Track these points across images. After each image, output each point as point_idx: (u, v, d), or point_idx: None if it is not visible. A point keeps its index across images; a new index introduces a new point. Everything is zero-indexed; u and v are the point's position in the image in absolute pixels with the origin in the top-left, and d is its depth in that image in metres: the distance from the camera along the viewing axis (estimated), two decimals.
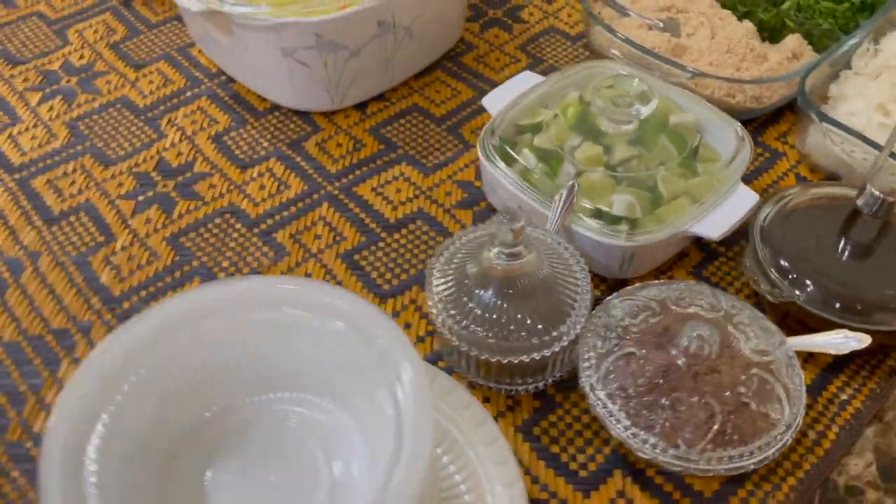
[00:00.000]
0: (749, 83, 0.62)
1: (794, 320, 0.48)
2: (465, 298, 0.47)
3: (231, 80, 0.71)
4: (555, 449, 0.46)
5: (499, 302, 0.46)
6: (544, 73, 0.72)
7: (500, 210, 0.44)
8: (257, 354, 0.33)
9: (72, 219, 0.59)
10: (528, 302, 0.46)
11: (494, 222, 0.44)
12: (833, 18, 0.70)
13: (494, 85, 0.70)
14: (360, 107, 0.68)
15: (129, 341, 0.32)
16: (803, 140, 0.62)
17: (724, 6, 0.73)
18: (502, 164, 0.56)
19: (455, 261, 0.48)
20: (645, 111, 0.54)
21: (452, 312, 0.47)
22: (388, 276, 0.56)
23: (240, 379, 0.34)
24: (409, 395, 0.29)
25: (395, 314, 0.53)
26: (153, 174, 0.63)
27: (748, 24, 0.69)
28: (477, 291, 0.47)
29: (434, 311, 0.47)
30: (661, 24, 0.69)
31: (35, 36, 0.76)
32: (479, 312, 0.46)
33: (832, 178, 0.61)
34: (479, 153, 0.57)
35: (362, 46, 0.63)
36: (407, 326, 0.53)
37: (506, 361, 0.46)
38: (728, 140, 0.58)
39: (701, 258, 0.57)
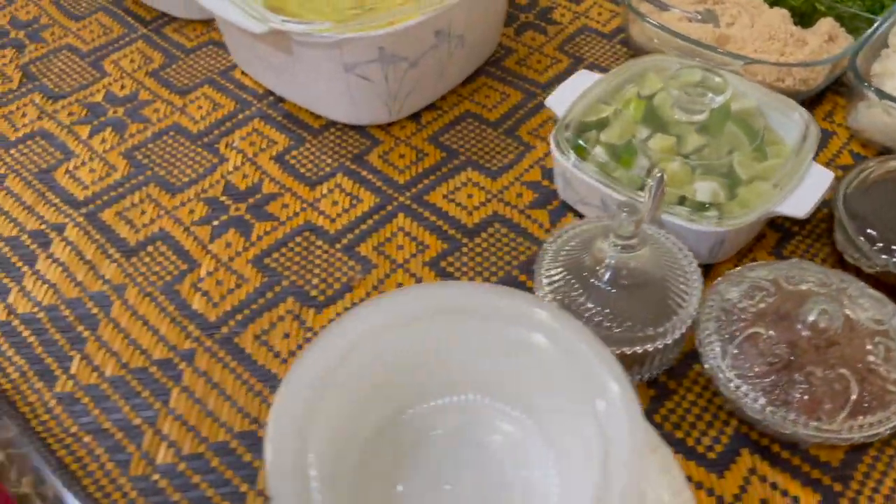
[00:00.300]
0: (802, 66, 0.64)
1: (892, 288, 0.50)
2: (576, 287, 0.48)
3: (280, 99, 0.71)
4: (679, 434, 0.48)
5: (612, 292, 0.47)
6: (588, 69, 0.73)
7: (619, 203, 0.45)
8: (446, 359, 0.33)
9: (149, 248, 0.59)
10: (641, 293, 0.48)
11: (613, 215, 0.45)
12: (861, 1, 0.73)
13: (540, 86, 0.72)
14: (415, 117, 0.69)
15: (337, 346, 0.32)
16: (855, 118, 0.64)
17: None
18: (580, 161, 0.57)
19: (566, 249, 0.49)
20: (719, 100, 0.56)
21: (562, 301, 0.48)
22: (478, 279, 0.56)
23: (422, 383, 0.34)
24: (617, 418, 0.30)
25: None
26: (222, 198, 0.62)
27: (782, 11, 0.72)
28: (590, 281, 0.48)
29: (541, 296, 0.48)
30: (700, 16, 0.71)
31: (70, 69, 0.75)
32: (591, 304, 0.47)
33: (885, 152, 0.64)
34: (555, 151, 0.58)
35: (420, 57, 0.64)
36: None
37: (619, 352, 0.47)
38: (788, 122, 0.60)
39: (777, 238, 0.59)
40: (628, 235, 0.45)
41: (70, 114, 0.70)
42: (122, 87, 0.73)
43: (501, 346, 0.33)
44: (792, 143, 0.58)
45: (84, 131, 0.68)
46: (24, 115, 0.70)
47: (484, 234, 0.60)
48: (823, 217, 0.59)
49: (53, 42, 0.78)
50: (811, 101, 0.69)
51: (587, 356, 0.32)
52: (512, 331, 0.33)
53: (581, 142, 0.58)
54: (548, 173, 0.64)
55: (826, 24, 0.70)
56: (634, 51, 0.75)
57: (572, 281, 0.48)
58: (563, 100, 0.62)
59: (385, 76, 0.64)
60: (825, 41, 0.69)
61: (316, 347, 0.32)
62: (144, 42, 0.78)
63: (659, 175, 0.54)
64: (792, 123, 0.59)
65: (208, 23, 0.79)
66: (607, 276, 0.47)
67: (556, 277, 0.49)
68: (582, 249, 0.49)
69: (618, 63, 0.74)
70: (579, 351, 0.32)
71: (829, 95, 0.70)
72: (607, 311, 0.47)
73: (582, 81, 0.64)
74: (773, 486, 0.45)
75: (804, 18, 0.73)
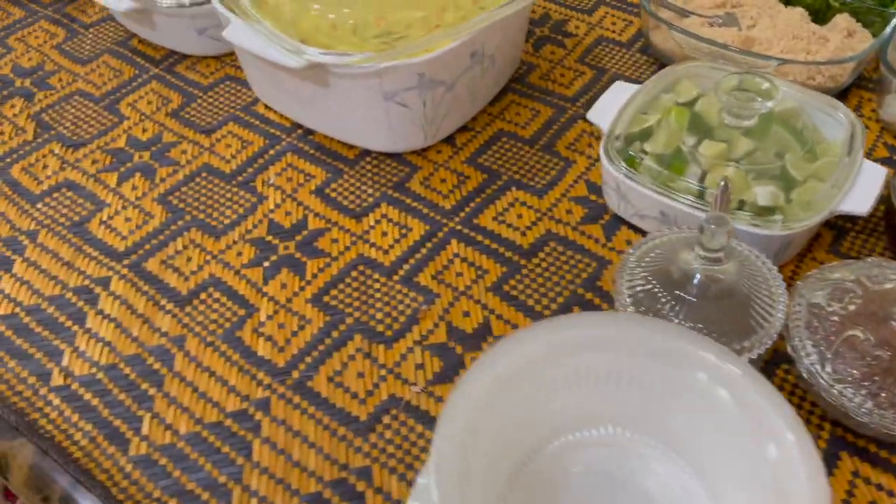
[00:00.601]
0: (836, 63, 0.65)
1: None
2: (660, 298, 0.48)
3: (310, 131, 0.69)
4: None
5: (698, 304, 0.47)
6: (612, 80, 0.73)
7: (707, 217, 0.45)
8: (593, 392, 0.32)
9: (202, 296, 0.57)
10: (727, 305, 0.47)
11: (701, 227, 0.45)
12: None
13: (568, 100, 0.72)
14: (449, 140, 0.68)
15: (499, 372, 0.31)
16: (887, 110, 0.65)
17: None
18: (633, 172, 0.57)
19: (647, 261, 0.49)
20: (769, 105, 0.56)
21: (646, 313, 0.47)
22: (545, 301, 0.56)
23: (566, 414, 0.33)
24: (793, 471, 0.29)
25: None
26: (269, 238, 0.61)
27: (800, 10, 0.73)
28: (675, 293, 0.47)
29: (620, 305, 0.48)
30: (721, 20, 0.72)
31: (86, 115, 0.72)
32: (676, 316, 0.47)
33: None
34: (607, 165, 0.58)
35: (457, 79, 0.63)
36: None
37: None
38: (829, 121, 0.60)
39: (833, 236, 0.59)
40: (715, 248, 0.45)
41: (94, 162, 0.68)
42: (144, 130, 0.71)
43: (661, 384, 0.32)
44: (837, 141, 0.59)
45: (112, 179, 0.66)
46: (45, 166, 0.68)
47: (541, 254, 0.59)
48: (875, 211, 0.60)
49: (63, 88, 0.76)
50: (837, 97, 0.70)
51: (761, 404, 0.31)
52: (675, 371, 0.32)
53: (632, 153, 0.58)
54: (594, 188, 0.64)
55: (843, 20, 0.72)
56: (657, 58, 0.75)
57: (656, 292, 0.48)
58: (604, 113, 0.62)
59: (423, 102, 0.63)
60: (845, 37, 0.70)
61: (476, 373, 0.31)
62: (158, 82, 0.76)
63: (723, 183, 0.54)
64: (834, 122, 0.60)
65: (221, 58, 0.78)
66: (693, 288, 0.47)
67: (639, 289, 0.48)
68: (665, 261, 0.48)
69: (641, 71, 0.74)
70: (752, 398, 0.31)
71: (853, 90, 0.71)
72: (694, 324, 0.47)
73: (619, 93, 0.64)
74: (879, 487, 0.45)
75: (818, 15, 0.75)
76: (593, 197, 0.63)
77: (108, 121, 0.72)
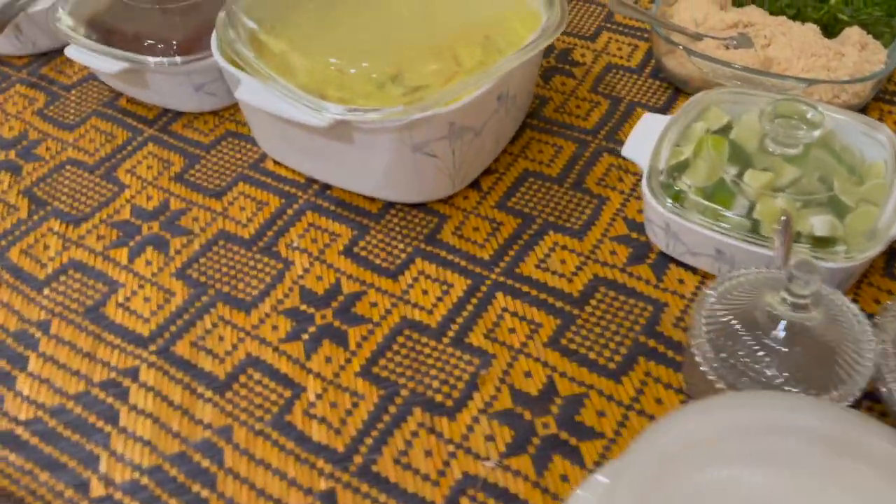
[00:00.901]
0: (868, 80, 0.64)
1: None
2: (742, 342, 0.46)
3: (327, 186, 0.66)
4: None
5: (782, 350, 0.45)
6: (630, 108, 0.72)
7: (797, 263, 0.43)
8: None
9: (243, 379, 0.53)
10: (814, 352, 0.45)
11: (790, 275, 0.43)
12: (876, 5, 0.74)
13: (588, 132, 0.70)
14: (474, 185, 0.65)
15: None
16: None
17: (772, 13, 0.75)
18: (682, 209, 0.55)
19: (728, 300, 0.47)
20: (816, 134, 0.55)
21: (722, 355, 0.46)
22: (607, 352, 0.53)
23: None
24: None
25: (638, 393, 0.51)
26: (303, 307, 0.57)
27: (812, 26, 0.72)
28: (758, 336, 0.45)
29: (697, 347, 0.46)
30: (736, 41, 0.71)
31: (82, 187, 0.68)
32: (757, 361, 0.45)
33: None
34: (652, 203, 0.56)
35: (485, 124, 0.61)
36: (659, 402, 0.50)
37: None
38: (868, 141, 0.59)
39: (885, 259, 0.58)
40: (804, 295, 0.43)
41: (99, 237, 0.63)
42: (149, 197, 0.66)
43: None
44: (879, 162, 0.58)
45: (122, 255, 0.62)
46: (46, 247, 0.63)
47: (592, 301, 0.56)
48: None
49: (52, 158, 0.71)
50: (859, 112, 0.69)
51: None
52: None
53: (677, 188, 0.56)
54: (634, 225, 0.62)
55: (854, 34, 0.71)
56: (671, 83, 0.74)
57: (740, 336, 0.46)
58: (639, 148, 0.60)
59: (452, 150, 0.60)
60: (859, 50, 0.70)
61: (642, 453, 0.28)
62: (155, 144, 0.71)
63: (785, 218, 0.52)
64: (873, 142, 0.59)
65: (219, 113, 0.74)
66: (780, 333, 0.45)
67: (718, 333, 0.46)
68: (748, 303, 0.46)
69: (657, 97, 0.73)
70: None
71: (871, 104, 0.70)
72: (780, 372, 0.45)
73: (650, 126, 0.62)
74: None
75: (827, 29, 0.74)
76: (634, 235, 0.61)
77: (107, 191, 0.67)
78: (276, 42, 0.61)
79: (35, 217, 0.65)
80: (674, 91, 0.74)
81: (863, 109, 0.69)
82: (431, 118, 0.56)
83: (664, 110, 0.72)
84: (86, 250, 0.62)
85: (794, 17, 0.74)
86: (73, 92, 0.78)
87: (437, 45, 0.60)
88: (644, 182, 0.57)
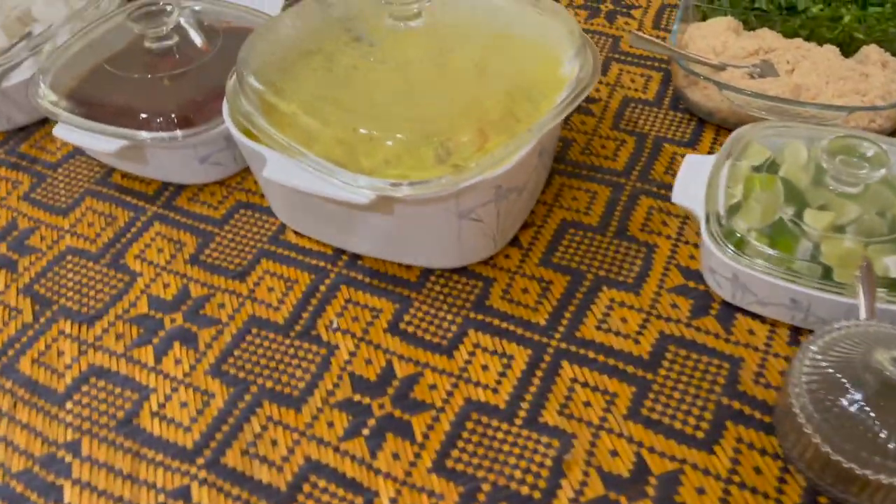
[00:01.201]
0: None
1: None
2: (846, 396, 0.44)
3: (357, 256, 0.62)
4: None
5: (890, 411, 0.43)
6: (657, 145, 0.70)
7: None
8: None
9: (306, 488, 0.48)
10: None
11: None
12: (889, 20, 0.73)
13: (620, 174, 0.67)
14: (514, 243, 0.62)
15: None
16: None
17: (785, 35, 0.74)
18: (746, 257, 0.53)
19: (832, 353, 0.45)
20: (879, 174, 0.53)
21: (825, 416, 0.44)
22: (692, 420, 0.50)
23: None
24: None
25: (734, 463, 0.48)
26: (357, 398, 0.53)
27: (831, 47, 0.71)
28: (865, 392, 0.43)
29: (800, 408, 0.44)
30: (759, 69, 0.69)
31: (88, 279, 0.62)
32: (861, 418, 0.43)
33: None
34: (716, 252, 0.53)
35: (527, 181, 0.58)
36: (758, 472, 0.48)
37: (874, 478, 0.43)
38: None
39: None
40: None
41: (118, 337, 0.58)
42: (165, 285, 0.61)
43: None
44: None
45: (147, 355, 0.57)
46: (60, 353, 0.57)
47: (664, 363, 0.54)
48: None
49: (49, 249, 0.65)
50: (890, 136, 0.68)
51: None
52: None
53: (740, 234, 0.54)
54: (689, 273, 0.59)
55: (872, 52, 0.70)
56: (694, 114, 0.72)
57: (847, 395, 0.43)
58: (689, 193, 0.58)
59: (498, 212, 0.57)
60: (882, 69, 0.69)
61: None
62: (162, 223, 0.66)
63: (866, 265, 0.50)
64: None
65: (225, 183, 0.69)
66: (875, 389, 0.43)
67: (819, 390, 0.44)
68: (853, 359, 0.44)
69: (682, 130, 0.71)
70: None
71: None
72: (884, 430, 0.43)
73: (694, 167, 0.60)
74: None
75: (842, 48, 0.73)
76: (692, 284, 0.58)
77: (117, 281, 0.62)
78: (292, 107, 0.57)
79: (42, 319, 0.60)
80: (698, 123, 0.71)
81: (894, 132, 0.68)
82: (479, 184, 0.52)
83: (692, 144, 0.69)
84: (106, 353, 0.57)
85: (807, 38, 0.73)
86: (60, 170, 0.72)
87: (467, 105, 0.56)
88: (704, 231, 0.55)
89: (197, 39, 0.71)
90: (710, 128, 0.71)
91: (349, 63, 0.59)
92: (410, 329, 0.57)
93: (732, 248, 0.54)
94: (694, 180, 0.59)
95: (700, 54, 0.70)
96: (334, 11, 0.63)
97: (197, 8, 0.74)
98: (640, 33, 0.69)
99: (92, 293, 0.61)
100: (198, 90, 0.66)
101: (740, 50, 0.70)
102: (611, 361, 0.54)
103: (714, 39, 0.72)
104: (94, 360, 0.57)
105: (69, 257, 0.64)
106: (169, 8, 0.69)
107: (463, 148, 0.53)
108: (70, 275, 0.63)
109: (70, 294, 0.61)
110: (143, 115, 0.64)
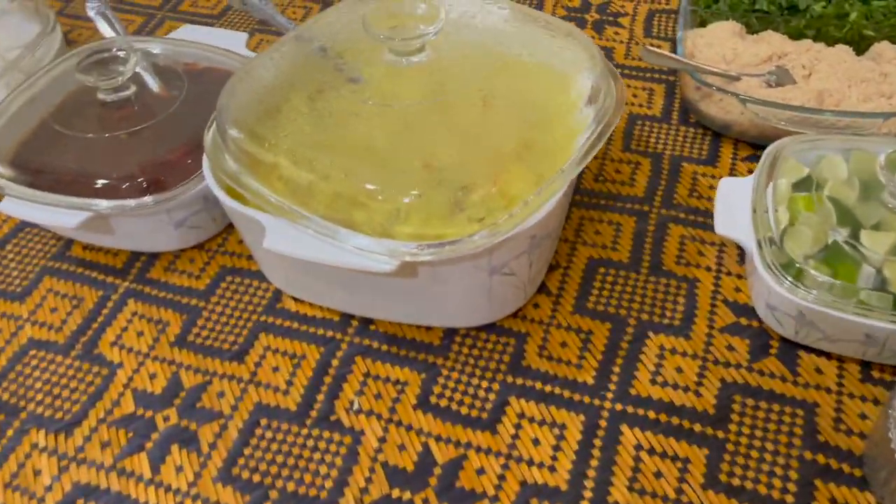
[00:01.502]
0: None
1: None
2: None
3: (368, 321, 0.55)
4: None
5: None
6: (675, 165, 0.65)
7: None
8: None
9: None
10: None
11: None
12: None
13: (642, 201, 0.62)
14: (542, 289, 0.56)
15: None
16: None
17: (792, 38, 0.70)
18: (814, 293, 0.48)
19: None
20: None
21: None
22: (777, 482, 0.45)
23: None
24: None
25: None
26: (397, 493, 0.46)
27: (844, 47, 0.67)
28: None
29: None
30: (775, 76, 0.64)
31: (58, 377, 0.53)
32: None
33: None
34: (780, 289, 0.48)
35: (558, 225, 0.52)
36: None
37: None
38: None
39: None
40: None
41: (103, 445, 0.49)
42: (152, 376, 0.53)
43: None
44: None
45: (141, 465, 0.48)
46: (36, 472, 0.48)
47: (733, 416, 0.48)
48: None
49: (8, 344, 0.56)
50: None
51: None
52: None
53: (799, 265, 0.49)
54: (739, 308, 0.54)
55: (885, 49, 0.66)
56: (706, 128, 0.67)
57: None
58: (733, 221, 0.53)
59: (530, 263, 0.50)
60: None
61: None
62: (137, 301, 0.58)
63: None
64: None
65: (205, 248, 0.61)
66: None
67: None
68: None
69: (698, 147, 0.66)
70: None
71: None
72: None
73: (731, 192, 0.55)
74: None
75: (851, 45, 0.69)
76: (744, 321, 0.53)
77: (94, 377, 0.53)
78: (284, 161, 0.49)
79: (9, 432, 0.51)
80: (713, 137, 0.67)
81: None
82: (514, 237, 0.46)
83: (711, 161, 0.65)
84: (91, 467, 0.48)
85: (814, 39, 0.69)
86: (9, 248, 0.63)
87: (478, 144, 0.49)
88: (759, 264, 0.50)
89: (158, 87, 0.62)
90: (726, 142, 0.66)
91: (344, 106, 0.52)
92: (443, 403, 0.50)
93: (791, 281, 0.49)
94: (734, 207, 0.53)
95: (712, 65, 0.65)
96: (322, 49, 0.56)
97: (154, 50, 0.65)
98: (652, 48, 0.63)
99: (65, 394, 0.52)
100: (166, 146, 0.58)
101: (753, 57, 0.66)
102: (675, 420, 0.48)
103: (721, 47, 0.67)
104: (77, 476, 0.48)
105: (32, 352, 0.55)
106: (123, 54, 0.61)
107: (478, 190, 0.47)
108: (36, 373, 0.54)
109: (39, 397, 0.52)
110: (105, 181, 0.56)
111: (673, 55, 0.63)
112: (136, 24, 0.86)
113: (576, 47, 0.53)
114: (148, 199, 0.55)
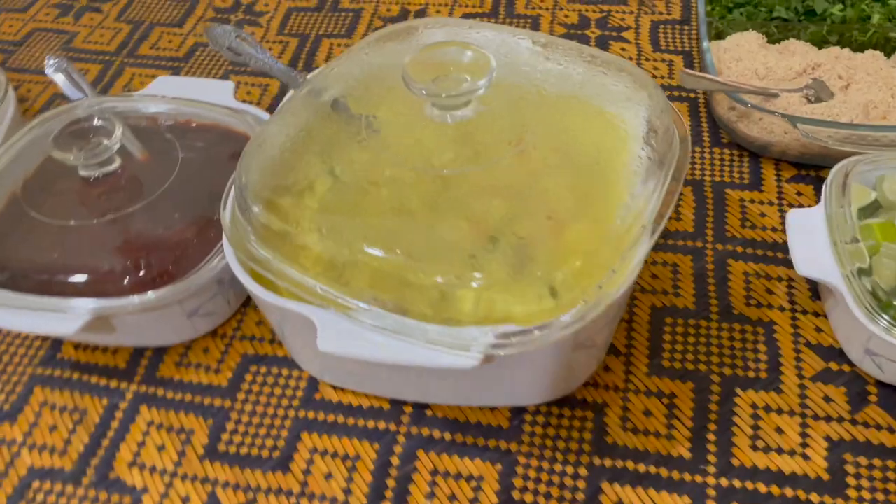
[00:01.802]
0: None
1: None
2: None
3: (423, 406, 0.48)
4: None
5: None
6: (719, 193, 0.61)
7: None
8: None
9: None
10: None
11: None
12: None
13: (696, 237, 0.58)
14: (609, 350, 0.51)
15: None
16: None
17: (814, 45, 0.66)
18: None
19: None
20: None
21: None
22: None
23: None
24: None
25: None
26: None
27: (874, 52, 0.64)
28: None
29: None
30: (813, 90, 0.61)
31: None
32: None
33: None
34: (883, 334, 0.44)
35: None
36: None
37: None
38: None
39: None
40: None
41: None
42: (185, 500, 0.45)
43: None
44: None
45: None
46: None
47: (849, 480, 0.44)
48: None
49: (4, 475, 0.47)
50: None
51: None
52: None
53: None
54: (825, 352, 0.50)
55: None
56: (743, 148, 0.63)
57: None
58: (812, 259, 0.48)
59: (609, 331, 0.45)
60: None
61: None
62: (151, 407, 0.50)
63: None
64: None
65: (219, 334, 0.54)
66: None
67: None
68: None
69: (739, 172, 0.62)
70: None
71: None
72: None
73: (802, 225, 0.50)
74: None
75: (876, 48, 0.66)
76: (834, 366, 0.49)
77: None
78: (316, 239, 0.43)
79: None
80: (751, 158, 0.63)
81: None
82: (604, 310, 0.40)
83: (756, 186, 0.60)
84: None
85: (838, 45, 0.66)
86: None
87: (532, 202, 0.44)
88: (854, 307, 0.45)
89: (145, 155, 0.55)
90: (766, 162, 0.62)
91: (383, 174, 0.45)
92: (528, 498, 0.44)
93: (888, 320, 0.45)
94: (811, 242, 0.49)
95: (748, 83, 0.61)
96: (339, 104, 0.49)
97: (133, 111, 0.58)
98: (691, 71, 0.59)
99: None
100: (166, 225, 0.50)
101: (787, 71, 0.62)
102: (788, 492, 0.44)
103: (751, 61, 0.63)
104: None
105: (35, 484, 0.47)
106: (103, 123, 0.53)
107: (538, 246, 0.41)
108: None
109: None
110: (101, 274, 0.48)
111: (715, 78, 0.59)
112: (94, 74, 0.77)
113: (630, 83, 0.48)
114: (158, 292, 0.47)
